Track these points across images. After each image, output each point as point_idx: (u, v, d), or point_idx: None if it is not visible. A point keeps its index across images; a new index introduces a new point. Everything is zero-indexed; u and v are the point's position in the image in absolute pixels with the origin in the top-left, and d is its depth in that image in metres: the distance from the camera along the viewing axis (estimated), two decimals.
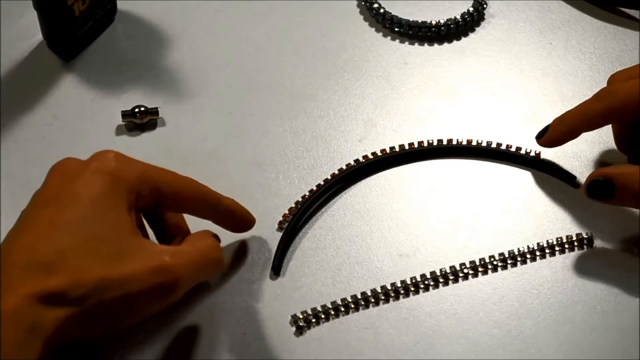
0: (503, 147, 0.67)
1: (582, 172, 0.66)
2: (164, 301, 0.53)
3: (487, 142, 0.67)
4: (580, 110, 0.64)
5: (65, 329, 0.49)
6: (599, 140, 0.67)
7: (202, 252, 0.56)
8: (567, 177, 0.66)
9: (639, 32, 0.74)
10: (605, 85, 0.64)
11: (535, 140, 0.66)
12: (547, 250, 0.62)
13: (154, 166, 0.57)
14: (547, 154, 0.67)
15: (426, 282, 0.61)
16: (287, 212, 0.64)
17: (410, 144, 0.67)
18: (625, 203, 0.61)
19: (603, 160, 0.66)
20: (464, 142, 0.67)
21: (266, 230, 0.63)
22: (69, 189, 0.53)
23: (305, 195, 0.65)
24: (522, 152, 0.67)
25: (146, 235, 0.59)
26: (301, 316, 0.59)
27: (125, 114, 0.68)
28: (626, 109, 0.61)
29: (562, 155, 0.67)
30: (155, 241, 0.59)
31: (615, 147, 0.66)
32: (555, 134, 0.65)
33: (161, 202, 0.56)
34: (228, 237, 0.61)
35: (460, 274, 0.61)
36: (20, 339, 0.47)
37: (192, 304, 0.59)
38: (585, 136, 0.68)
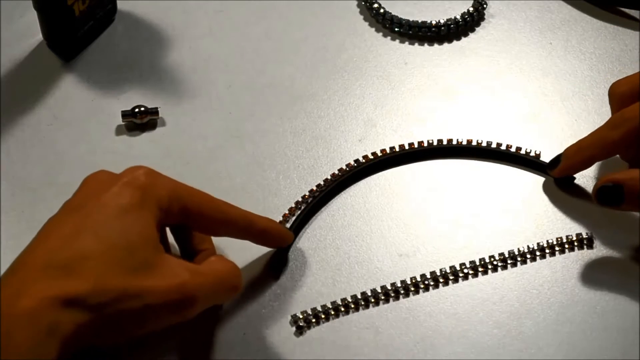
0: (503, 147, 0.67)
1: (582, 172, 0.66)
2: (178, 317, 0.53)
3: (487, 142, 0.67)
4: (597, 139, 0.63)
5: (81, 334, 0.49)
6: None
7: (221, 275, 0.56)
8: (566, 177, 0.66)
9: (639, 32, 0.74)
10: (608, 89, 0.64)
11: (546, 169, 0.65)
12: (547, 250, 0.62)
13: (186, 185, 0.56)
14: (547, 155, 0.67)
15: (426, 282, 0.61)
16: (287, 212, 0.64)
17: (410, 144, 0.67)
18: (635, 208, 0.61)
19: (603, 160, 0.66)
20: (464, 142, 0.68)
21: None
22: (97, 198, 0.53)
23: (305, 195, 0.65)
24: (522, 152, 0.67)
25: (169, 250, 0.58)
26: (301, 316, 0.59)
27: (125, 114, 0.68)
28: None
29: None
30: (178, 253, 0.59)
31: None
32: (571, 163, 0.64)
33: (188, 221, 0.56)
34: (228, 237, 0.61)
35: (460, 274, 0.61)
36: (38, 339, 0.47)
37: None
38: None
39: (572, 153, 0.64)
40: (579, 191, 0.65)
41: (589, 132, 0.66)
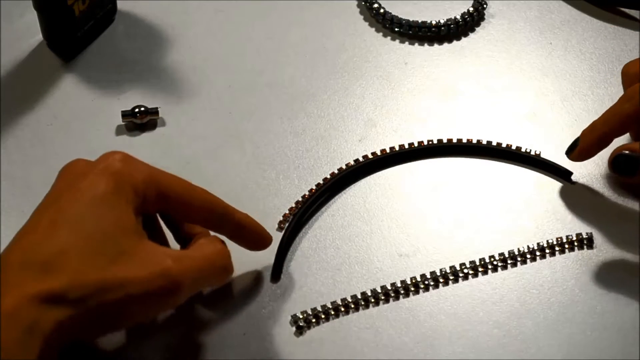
0: (503, 146, 0.67)
1: (582, 172, 0.66)
2: (164, 305, 0.53)
3: (488, 141, 0.67)
4: (611, 114, 0.63)
5: (64, 330, 0.49)
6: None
7: (208, 258, 0.55)
8: (566, 177, 0.66)
9: (639, 32, 0.74)
10: (621, 70, 0.64)
11: (566, 156, 0.65)
12: (547, 250, 0.62)
13: (162, 171, 0.56)
14: (548, 153, 0.67)
15: (426, 282, 0.61)
16: (287, 212, 0.64)
17: (410, 144, 0.67)
18: None
19: (603, 161, 0.66)
20: (464, 142, 0.67)
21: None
22: (72, 189, 0.52)
23: (305, 195, 0.65)
24: (522, 151, 0.67)
25: (158, 238, 0.58)
26: (301, 316, 0.59)
27: (125, 114, 0.68)
28: None
29: (562, 156, 0.67)
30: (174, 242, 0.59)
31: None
32: (587, 143, 0.64)
33: (168, 208, 0.56)
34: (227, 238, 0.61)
35: (460, 274, 0.61)
36: (19, 339, 0.47)
37: (192, 303, 0.59)
38: None
39: (587, 132, 0.64)
40: (579, 191, 0.65)
41: None
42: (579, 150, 0.64)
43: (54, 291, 0.48)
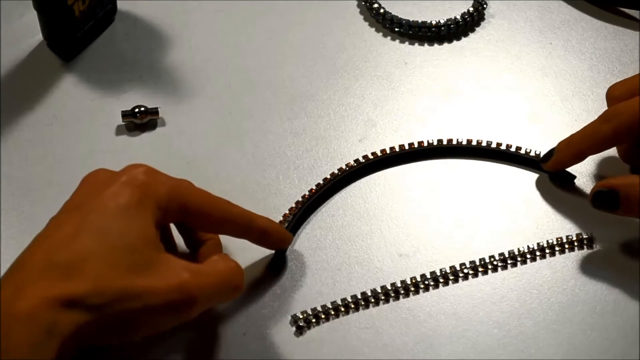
0: (503, 147, 0.67)
1: (582, 172, 0.66)
2: (177, 319, 0.53)
3: (487, 142, 0.67)
4: (588, 133, 0.63)
5: (81, 334, 0.49)
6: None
7: (222, 275, 0.55)
8: (566, 177, 0.66)
9: (639, 32, 0.74)
10: (606, 92, 0.64)
11: (539, 163, 0.66)
12: (547, 251, 0.62)
13: (185, 183, 0.56)
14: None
15: (426, 282, 0.61)
16: (287, 212, 0.64)
17: (410, 144, 0.67)
18: (630, 214, 0.61)
19: (604, 160, 0.66)
20: (464, 142, 0.68)
21: None
22: (96, 198, 0.53)
23: (305, 195, 0.65)
24: (522, 152, 0.67)
25: (173, 248, 0.58)
26: (301, 316, 0.59)
27: (125, 114, 0.68)
28: (635, 129, 0.61)
29: None
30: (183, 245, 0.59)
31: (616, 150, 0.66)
32: (563, 157, 0.64)
33: (188, 219, 0.56)
34: (228, 237, 0.61)
35: (460, 274, 0.61)
36: (38, 340, 0.47)
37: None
38: None
39: (563, 147, 0.64)
40: (579, 191, 0.65)
41: None
42: (554, 162, 0.65)
43: (75, 295, 0.48)
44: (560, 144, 0.65)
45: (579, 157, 0.64)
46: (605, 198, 0.60)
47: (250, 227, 0.58)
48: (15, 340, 0.47)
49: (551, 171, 0.65)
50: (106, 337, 0.52)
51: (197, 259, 0.58)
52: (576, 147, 0.64)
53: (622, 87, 0.63)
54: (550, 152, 0.65)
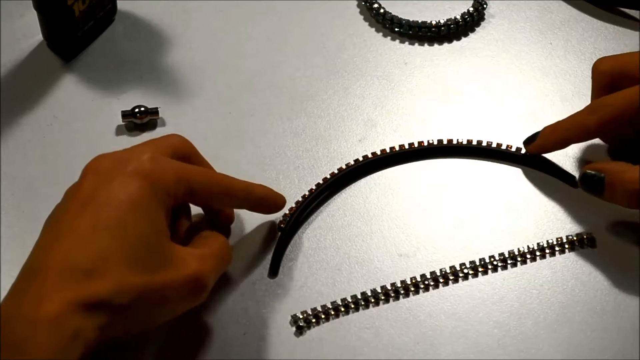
0: (503, 147, 0.67)
1: (577, 158, 0.66)
2: (190, 305, 0.54)
3: (487, 142, 0.67)
4: (574, 123, 0.64)
5: (103, 334, 0.49)
6: (598, 140, 0.67)
7: (219, 253, 0.56)
8: (566, 177, 0.66)
9: (639, 32, 0.74)
10: (592, 65, 0.65)
11: (522, 144, 0.66)
12: (547, 250, 0.62)
13: (188, 165, 0.56)
14: (547, 155, 0.67)
15: (426, 282, 0.61)
16: (287, 212, 0.64)
17: (410, 144, 0.67)
18: (614, 201, 0.61)
19: (603, 161, 0.66)
20: (464, 142, 0.68)
21: (266, 230, 0.63)
22: (105, 191, 0.52)
23: (305, 195, 0.65)
24: (522, 152, 0.67)
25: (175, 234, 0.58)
26: (301, 316, 0.59)
27: (125, 114, 0.68)
28: (619, 123, 0.61)
29: (562, 155, 0.67)
30: None
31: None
32: (545, 142, 0.65)
33: (194, 200, 0.57)
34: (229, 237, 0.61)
35: (460, 274, 0.61)
36: (63, 345, 0.47)
37: None
38: None
39: (548, 132, 0.65)
40: (579, 191, 0.65)
41: None
42: (537, 145, 0.65)
43: (97, 298, 0.48)
44: (545, 129, 0.65)
45: (562, 145, 0.65)
46: (591, 181, 0.61)
47: (249, 197, 0.59)
48: (41, 346, 0.46)
49: (533, 153, 0.66)
50: (126, 332, 0.52)
51: (182, 234, 0.58)
52: (560, 134, 0.64)
53: (610, 63, 0.64)
54: (534, 135, 0.66)
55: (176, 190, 0.54)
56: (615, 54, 0.72)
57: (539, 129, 0.66)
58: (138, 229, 0.51)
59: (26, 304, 0.47)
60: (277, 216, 0.64)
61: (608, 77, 0.63)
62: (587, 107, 0.63)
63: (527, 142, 0.66)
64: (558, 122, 0.65)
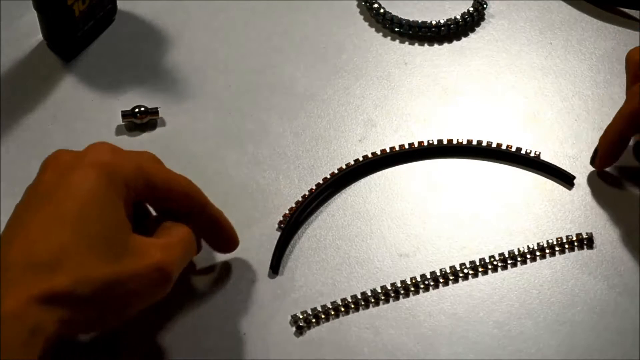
0: (503, 147, 0.67)
1: (582, 172, 0.66)
2: (156, 297, 0.53)
3: (487, 142, 0.67)
4: (622, 115, 0.63)
5: (65, 329, 0.49)
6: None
7: (183, 242, 0.55)
8: (566, 178, 0.66)
9: (639, 32, 0.74)
10: (626, 56, 0.65)
11: (590, 164, 0.66)
12: (547, 250, 0.62)
13: (148, 156, 0.56)
14: (548, 153, 0.67)
15: (426, 282, 0.61)
16: (287, 212, 0.64)
17: (411, 144, 0.67)
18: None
19: None
20: (464, 142, 0.68)
21: (266, 230, 0.63)
22: (64, 183, 0.51)
23: (305, 195, 0.65)
24: (522, 152, 0.67)
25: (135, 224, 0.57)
26: (301, 316, 0.59)
27: (125, 114, 0.68)
28: None
29: (562, 156, 0.67)
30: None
31: None
32: (605, 148, 0.64)
33: (152, 196, 0.56)
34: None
35: (460, 274, 0.61)
36: (23, 340, 0.47)
37: (192, 303, 0.59)
38: (585, 137, 0.68)
39: (602, 138, 0.65)
40: (579, 191, 0.65)
41: (588, 132, 0.67)
42: (600, 157, 0.65)
43: (58, 291, 0.48)
44: (600, 139, 0.65)
45: (621, 143, 0.64)
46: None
47: (204, 206, 0.57)
48: (2, 341, 0.46)
49: (602, 168, 0.65)
50: (89, 327, 0.52)
51: (145, 226, 0.57)
52: (614, 132, 0.63)
53: None
54: (596, 150, 0.65)
55: (135, 182, 0.53)
56: (614, 53, 0.73)
57: (539, 128, 0.66)
58: (98, 219, 0.51)
59: None
60: (277, 216, 0.64)
61: None
62: (629, 95, 0.63)
63: (592, 161, 0.66)
64: (608, 125, 0.64)
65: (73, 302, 0.48)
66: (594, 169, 0.66)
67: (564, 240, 0.63)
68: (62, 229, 0.50)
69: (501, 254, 0.62)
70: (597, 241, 0.63)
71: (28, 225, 0.50)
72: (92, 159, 0.53)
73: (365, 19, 0.76)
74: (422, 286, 0.61)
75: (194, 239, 0.57)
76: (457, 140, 0.68)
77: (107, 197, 0.52)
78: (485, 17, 0.76)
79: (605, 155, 0.65)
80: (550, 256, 0.62)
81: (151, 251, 0.52)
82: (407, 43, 0.75)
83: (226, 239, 0.60)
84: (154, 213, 0.58)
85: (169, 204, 0.57)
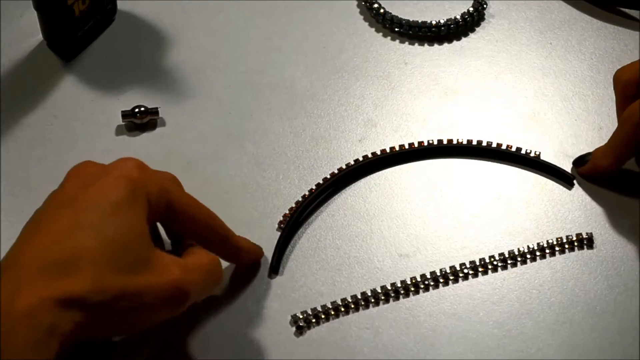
0: (503, 147, 0.67)
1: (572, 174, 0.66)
2: (169, 313, 0.53)
3: (487, 142, 0.67)
4: (619, 139, 0.63)
5: (79, 332, 0.49)
6: (599, 141, 0.67)
7: (207, 268, 0.55)
8: (566, 178, 0.66)
9: (639, 32, 0.74)
10: (613, 76, 0.64)
11: (572, 164, 0.66)
12: (547, 251, 0.62)
13: (172, 184, 0.56)
14: (548, 153, 0.67)
15: (426, 282, 0.61)
16: (287, 212, 0.64)
17: (411, 144, 0.67)
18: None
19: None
20: (464, 142, 0.68)
21: (266, 230, 0.63)
22: (88, 192, 0.52)
23: (305, 195, 0.65)
24: (522, 152, 0.67)
25: (161, 245, 0.58)
26: (301, 316, 0.59)
27: (125, 114, 0.68)
28: None
29: (562, 156, 0.67)
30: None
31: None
32: (598, 166, 0.65)
33: (174, 221, 0.56)
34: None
35: (460, 274, 0.61)
36: (38, 340, 0.47)
37: (192, 303, 0.59)
38: (585, 137, 0.68)
39: (599, 156, 0.65)
40: (579, 191, 0.65)
41: (588, 132, 0.67)
42: (590, 168, 0.65)
43: (74, 294, 0.48)
44: (596, 151, 0.65)
45: (618, 165, 0.64)
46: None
47: (226, 239, 0.58)
48: (16, 341, 0.46)
49: (585, 176, 0.66)
50: (103, 334, 0.52)
51: (177, 251, 0.57)
52: (613, 155, 0.64)
53: (630, 71, 0.63)
54: (583, 157, 0.66)
55: (158, 202, 0.54)
56: (614, 53, 0.73)
57: (539, 129, 0.66)
58: (118, 230, 0.51)
59: (2, 300, 0.47)
60: (277, 216, 0.64)
61: (632, 85, 0.63)
62: (623, 119, 0.63)
63: (576, 164, 0.66)
64: (607, 145, 0.64)
65: (88, 307, 0.49)
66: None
67: (564, 240, 0.63)
68: (82, 234, 0.50)
69: (501, 254, 0.62)
70: (597, 241, 0.63)
71: (47, 229, 0.50)
72: (119, 173, 0.53)
73: (365, 19, 0.76)
74: (422, 286, 0.61)
75: (220, 268, 0.57)
76: (457, 140, 0.68)
77: (130, 210, 0.52)
78: (485, 17, 0.76)
79: (595, 171, 0.65)
80: (550, 256, 0.62)
81: (171, 268, 0.52)
82: (407, 43, 0.75)
83: (250, 263, 0.61)
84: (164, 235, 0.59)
85: (191, 231, 0.57)
